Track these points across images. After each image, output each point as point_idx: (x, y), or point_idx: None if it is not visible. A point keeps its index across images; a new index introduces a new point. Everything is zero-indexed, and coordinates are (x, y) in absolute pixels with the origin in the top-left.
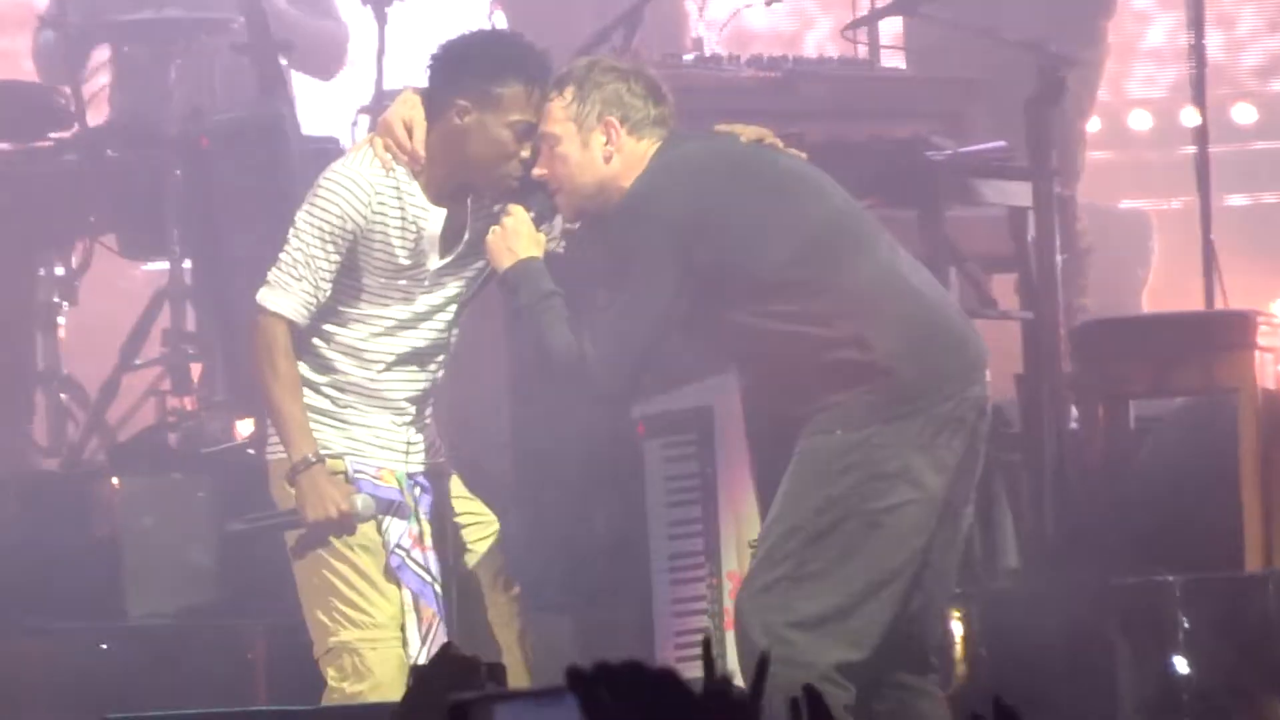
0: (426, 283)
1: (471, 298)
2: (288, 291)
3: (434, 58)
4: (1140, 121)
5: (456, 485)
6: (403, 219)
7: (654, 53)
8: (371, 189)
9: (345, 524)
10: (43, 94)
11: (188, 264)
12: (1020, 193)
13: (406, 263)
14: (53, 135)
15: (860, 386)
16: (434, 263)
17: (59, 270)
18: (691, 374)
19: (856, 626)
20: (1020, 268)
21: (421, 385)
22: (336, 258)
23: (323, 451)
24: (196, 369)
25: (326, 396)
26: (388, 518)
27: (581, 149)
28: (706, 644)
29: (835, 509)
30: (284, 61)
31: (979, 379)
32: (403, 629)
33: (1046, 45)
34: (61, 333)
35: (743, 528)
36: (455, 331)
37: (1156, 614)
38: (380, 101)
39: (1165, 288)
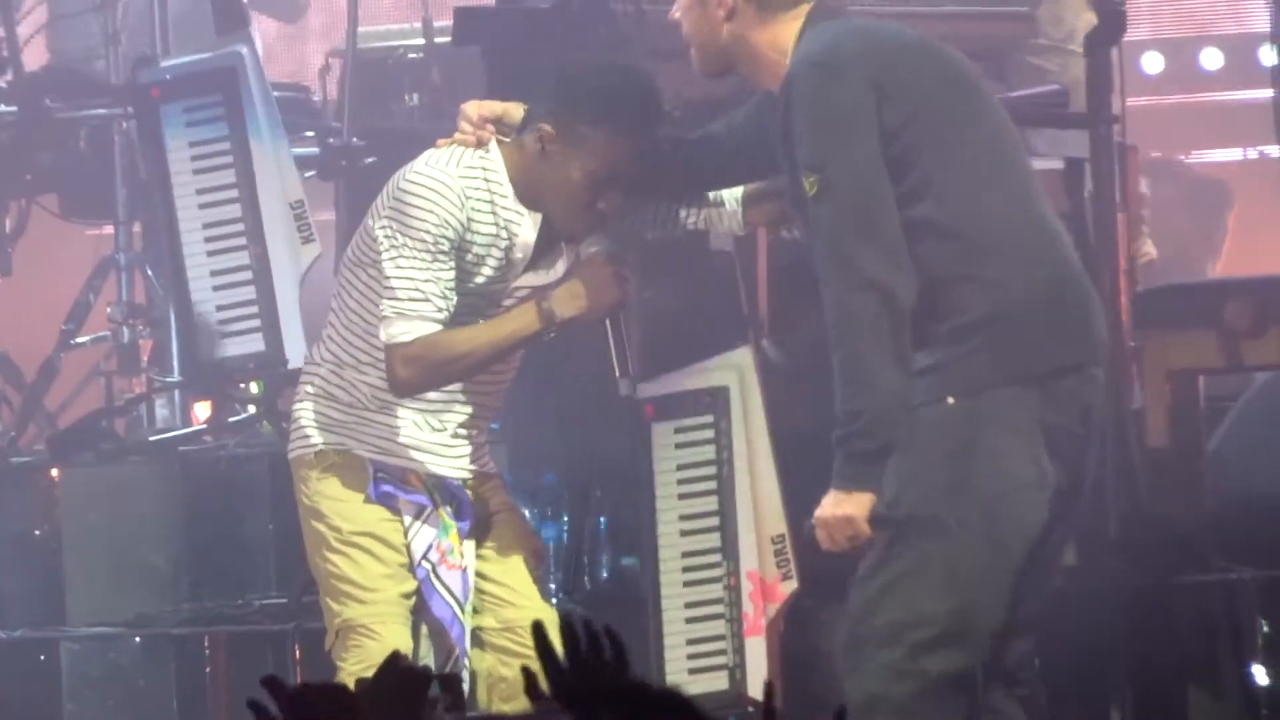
0: (506, 295)
1: None
2: (410, 319)
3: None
4: (1212, 60)
5: (498, 496)
6: (495, 224)
7: None
8: (462, 191)
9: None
10: None
11: (137, 228)
12: (1076, 142)
13: (492, 273)
14: None
15: (977, 337)
16: (519, 273)
17: None
18: (705, 349)
19: (973, 631)
20: (1076, 226)
21: (478, 396)
22: (449, 265)
23: (336, 446)
24: (146, 346)
25: (361, 393)
26: (415, 524)
27: (701, 5)
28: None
29: (950, 496)
30: None
31: (1103, 360)
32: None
33: None
34: None
35: (764, 521)
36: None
37: (1232, 616)
38: (353, 45)
39: (1240, 249)
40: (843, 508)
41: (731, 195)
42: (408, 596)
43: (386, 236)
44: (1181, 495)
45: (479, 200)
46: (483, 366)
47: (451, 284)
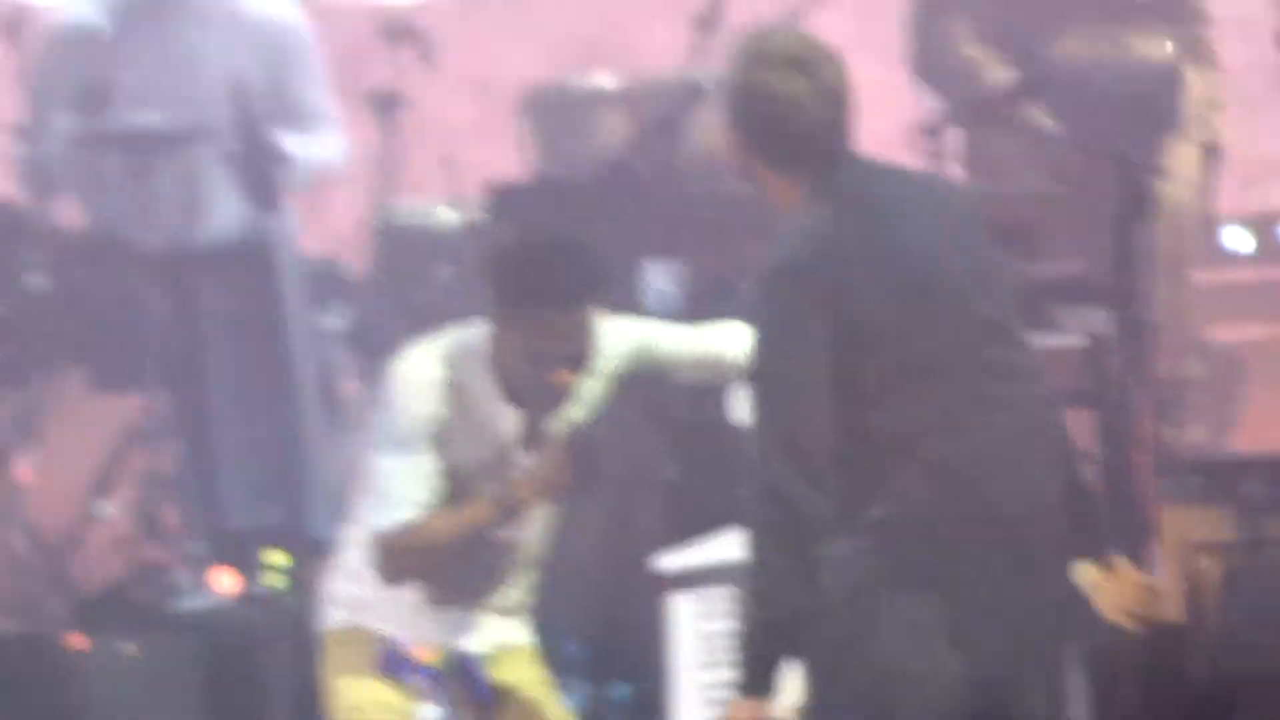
0: (508, 470)
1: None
2: (390, 508)
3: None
4: (1236, 239)
5: (526, 670)
6: (481, 414)
7: (692, 166)
8: (440, 383)
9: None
10: (6, 210)
11: (165, 399)
12: (1100, 319)
13: (486, 458)
14: (18, 254)
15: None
16: (513, 457)
17: (20, 405)
18: (725, 521)
19: None
20: (1099, 405)
21: (494, 572)
22: (429, 457)
23: (347, 625)
24: (171, 516)
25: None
26: (428, 699)
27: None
28: None
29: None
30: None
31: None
32: None
33: (1129, 153)
34: (23, 474)
35: (787, 694)
36: (539, 526)
37: None
38: (384, 218)
39: (1261, 425)
40: (733, 712)
41: None
42: None
43: (375, 428)
44: (1197, 662)
45: (467, 394)
46: (454, 551)
47: (434, 473)
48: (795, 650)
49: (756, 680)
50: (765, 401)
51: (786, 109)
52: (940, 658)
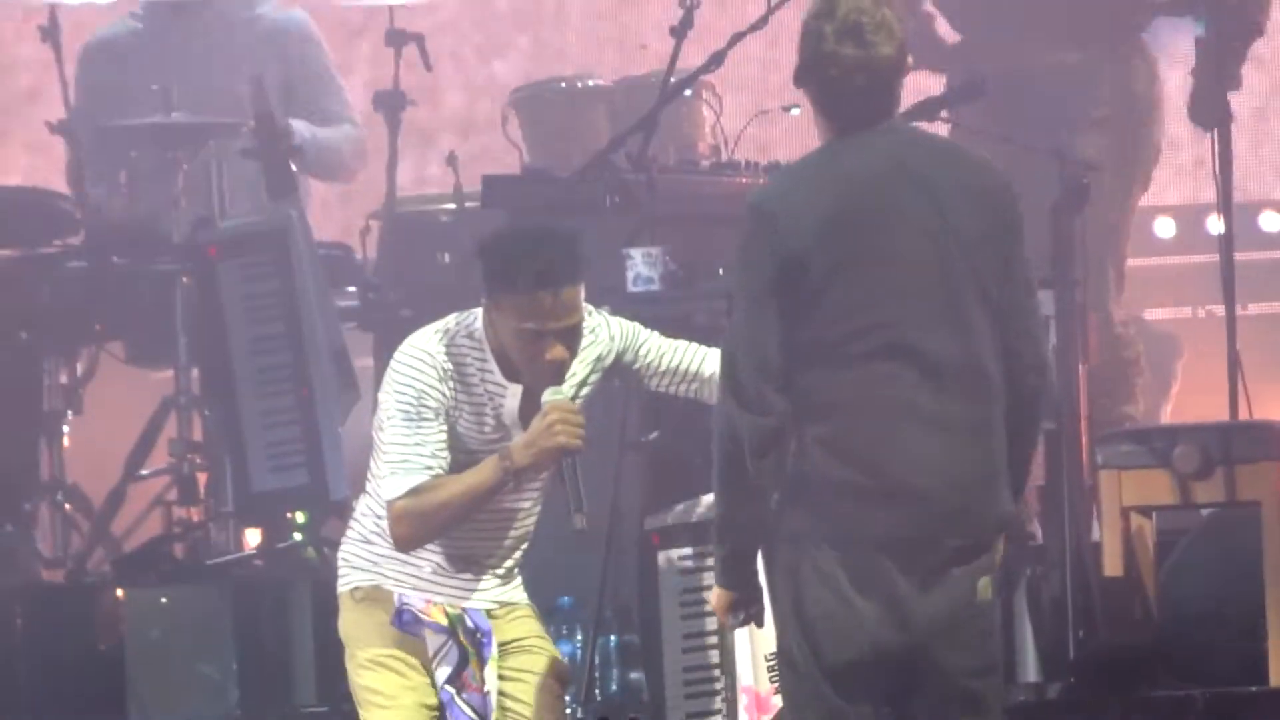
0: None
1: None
2: (400, 478)
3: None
4: (1165, 229)
5: (526, 624)
6: (483, 395)
7: (669, 158)
8: (442, 365)
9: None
10: (48, 200)
11: (195, 372)
12: (1042, 301)
13: (488, 437)
14: (58, 241)
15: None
16: (513, 437)
17: (63, 378)
18: (705, 484)
19: None
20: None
21: (497, 537)
22: (436, 428)
23: (367, 584)
24: (203, 479)
25: (382, 531)
26: (438, 651)
27: None
28: None
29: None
30: (294, 166)
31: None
32: None
33: (1068, 151)
34: (66, 441)
35: (758, 641)
36: (534, 502)
37: None
38: (391, 209)
39: (1189, 397)
40: (714, 601)
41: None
42: (429, 708)
43: (382, 406)
44: (1136, 620)
45: (468, 373)
46: (465, 514)
47: (442, 445)
48: (754, 550)
49: (727, 573)
50: (734, 310)
51: (837, 73)
52: (855, 606)
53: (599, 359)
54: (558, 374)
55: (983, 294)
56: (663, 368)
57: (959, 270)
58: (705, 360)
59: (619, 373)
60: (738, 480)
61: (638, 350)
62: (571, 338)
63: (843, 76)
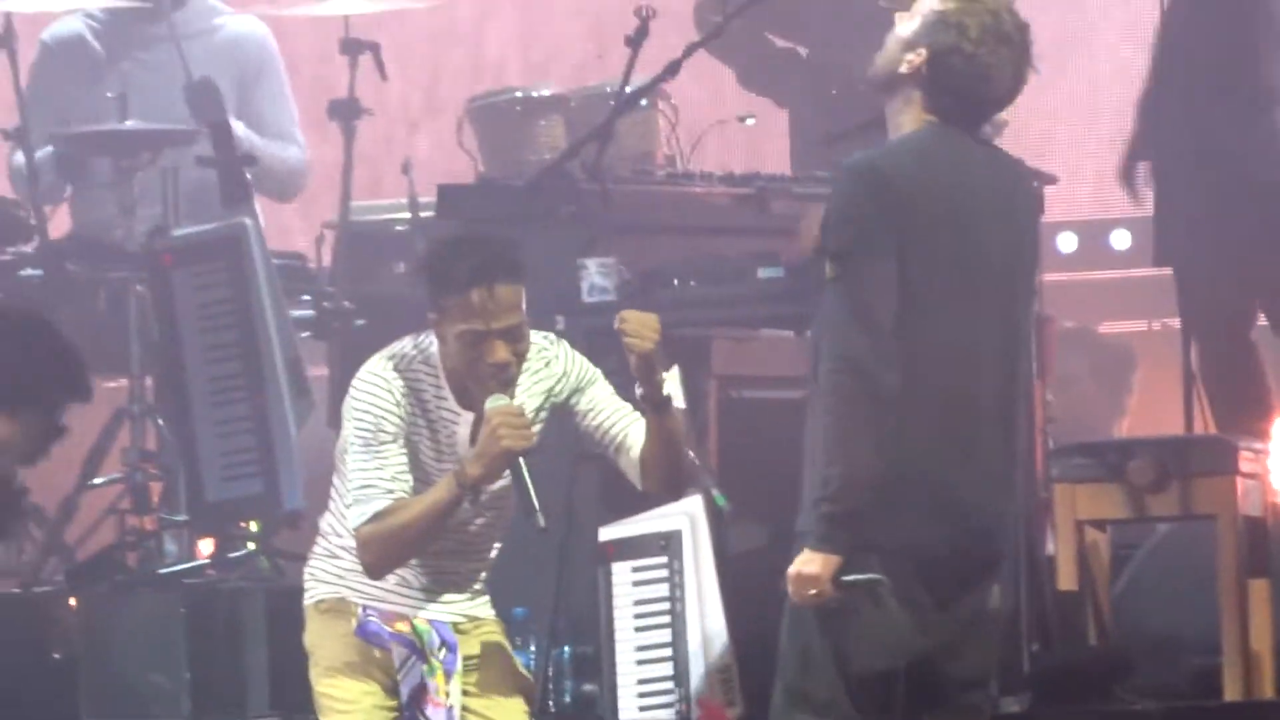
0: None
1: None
2: (364, 504)
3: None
4: (1121, 241)
5: (490, 639)
6: (439, 419)
7: (626, 168)
8: (399, 390)
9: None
10: (1, 207)
11: (149, 381)
12: None
13: (447, 461)
14: (11, 249)
15: None
16: (469, 451)
17: None
18: (660, 497)
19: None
20: None
21: (461, 553)
22: (395, 452)
23: (332, 596)
24: (156, 488)
25: (347, 547)
26: (402, 663)
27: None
28: None
29: None
30: (249, 175)
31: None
32: None
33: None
34: None
35: (712, 654)
36: (497, 516)
37: None
38: (346, 218)
39: (1146, 411)
40: (809, 566)
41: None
42: (388, 710)
43: (343, 433)
44: (1090, 634)
45: (424, 398)
46: (428, 534)
47: (403, 467)
48: (863, 515)
49: (826, 535)
50: (843, 277)
51: (969, 71)
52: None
53: (551, 392)
54: (503, 380)
55: (1021, 316)
56: (595, 424)
57: (1019, 292)
58: (632, 432)
59: (562, 408)
60: (866, 429)
61: (583, 395)
62: (513, 339)
63: (986, 83)
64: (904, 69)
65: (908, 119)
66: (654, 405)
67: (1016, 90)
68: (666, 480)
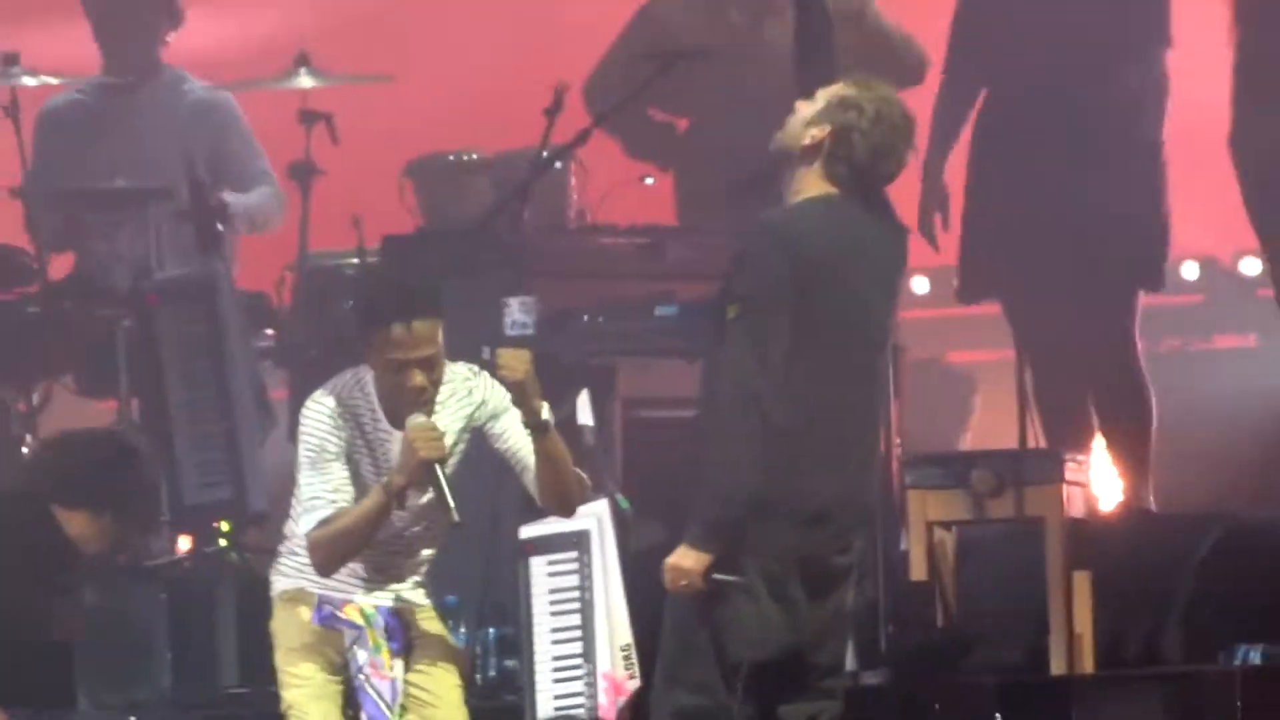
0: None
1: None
2: (310, 514)
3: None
4: (920, 285)
5: (429, 624)
6: (375, 440)
7: (543, 221)
8: (337, 415)
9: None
10: (9, 254)
11: (135, 402)
12: None
13: (383, 468)
14: (18, 289)
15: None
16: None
17: (22, 407)
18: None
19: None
20: None
21: (401, 550)
22: (338, 469)
23: (293, 587)
24: None
25: (305, 547)
26: (353, 644)
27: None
28: None
29: None
30: (220, 227)
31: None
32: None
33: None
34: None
35: (616, 634)
36: (428, 526)
37: (974, 712)
38: (304, 263)
39: (985, 428)
40: (684, 560)
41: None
42: (338, 682)
43: (296, 456)
44: (937, 618)
45: (362, 421)
46: (366, 535)
47: (344, 481)
48: (741, 523)
49: (702, 535)
50: (746, 318)
51: (864, 147)
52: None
53: (471, 417)
54: (421, 402)
55: (878, 350)
56: (504, 447)
57: (885, 336)
58: (534, 457)
59: (480, 432)
60: (752, 452)
61: (497, 421)
62: (429, 367)
63: (878, 159)
64: (807, 141)
65: (807, 184)
66: (533, 428)
67: (901, 166)
68: (553, 494)
